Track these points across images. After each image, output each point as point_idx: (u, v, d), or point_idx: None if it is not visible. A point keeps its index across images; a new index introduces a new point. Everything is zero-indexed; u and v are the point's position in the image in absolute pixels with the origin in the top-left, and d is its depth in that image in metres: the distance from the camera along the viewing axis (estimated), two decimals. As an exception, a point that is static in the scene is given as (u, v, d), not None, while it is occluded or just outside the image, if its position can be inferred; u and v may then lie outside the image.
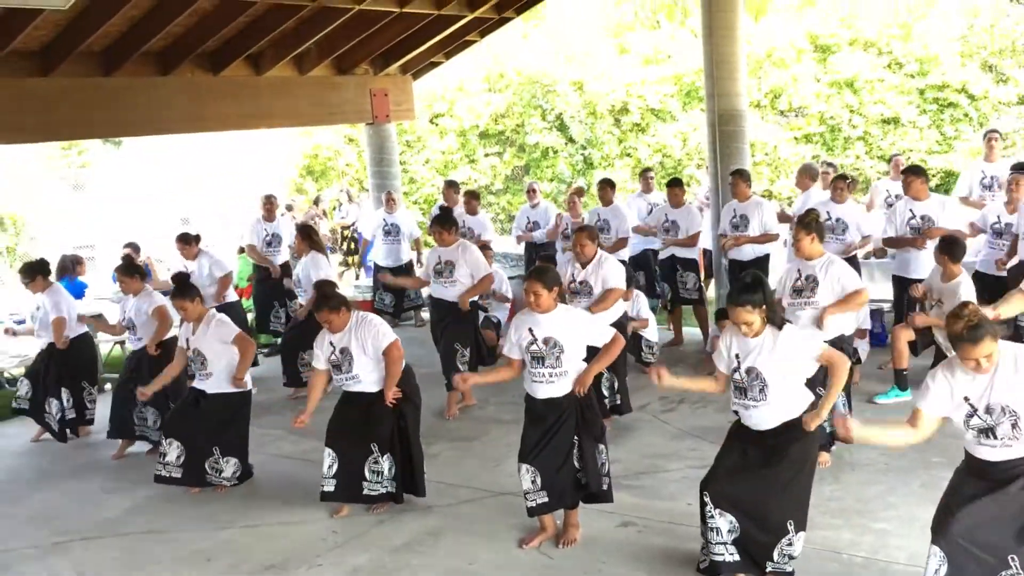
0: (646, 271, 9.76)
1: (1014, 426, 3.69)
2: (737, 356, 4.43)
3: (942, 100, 19.06)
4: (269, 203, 9.88)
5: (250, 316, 10.30)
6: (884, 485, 5.65)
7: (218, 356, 6.25)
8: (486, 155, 19.91)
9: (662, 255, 9.22)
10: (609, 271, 6.73)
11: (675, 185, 9.18)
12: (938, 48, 18.91)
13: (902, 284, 7.63)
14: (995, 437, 3.73)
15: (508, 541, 5.31)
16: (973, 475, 3.87)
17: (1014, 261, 7.23)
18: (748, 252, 8.43)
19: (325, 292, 5.77)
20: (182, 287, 6.41)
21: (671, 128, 19.34)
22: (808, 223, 5.95)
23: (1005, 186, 8.69)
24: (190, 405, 6.38)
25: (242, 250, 10.88)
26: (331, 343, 5.68)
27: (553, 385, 4.98)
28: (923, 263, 7.46)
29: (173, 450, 6.27)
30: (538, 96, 19.53)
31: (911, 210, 7.60)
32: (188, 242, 8.89)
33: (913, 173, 7.78)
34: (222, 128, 11.07)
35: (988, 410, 3.72)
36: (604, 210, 9.54)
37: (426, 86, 18.16)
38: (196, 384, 6.38)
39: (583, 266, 6.75)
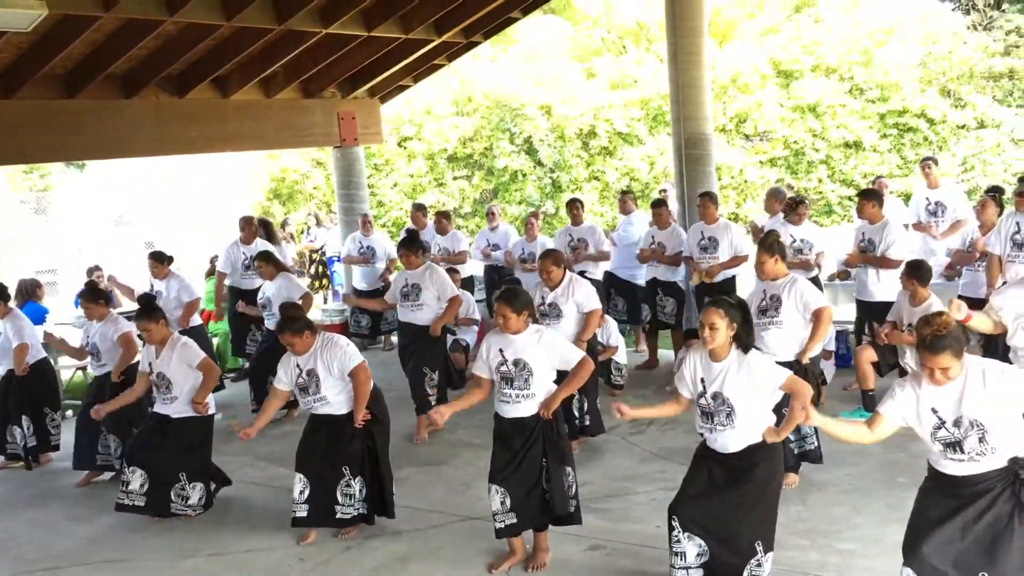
0: (625, 297, 9.68)
1: (981, 440, 3.72)
2: (703, 380, 4.44)
3: (902, 125, 19.42)
4: (248, 225, 9.76)
5: (216, 340, 10.21)
6: (850, 506, 5.68)
7: (184, 380, 6.18)
8: (455, 178, 19.95)
9: (646, 277, 9.25)
10: (582, 294, 6.74)
11: (660, 206, 9.21)
12: (898, 74, 19.28)
13: (860, 307, 7.78)
14: (962, 451, 3.76)
15: (477, 566, 5.27)
16: (939, 492, 3.90)
17: (998, 284, 7.24)
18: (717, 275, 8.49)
19: (288, 314, 5.76)
20: (148, 309, 6.33)
21: (638, 152, 19.51)
22: (771, 244, 6.02)
23: (945, 211, 8.96)
24: (153, 431, 6.29)
25: (210, 273, 10.76)
26: (298, 365, 5.65)
27: (520, 406, 4.98)
28: (880, 285, 7.58)
29: (136, 478, 6.17)
30: (506, 120, 19.62)
31: (863, 232, 7.75)
32: (161, 261, 8.79)
33: (864, 197, 7.94)
34: (187, 151, 10.98)
35: (957, 423, 3.75)
36: (575, 229, 9.59)
37: (394, 109, 18.17)
38: (158, 409, 6.29)
39: (551, 289, 6.77)
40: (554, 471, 5.01)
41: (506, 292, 5.12)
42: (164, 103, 9.28)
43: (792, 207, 8.40)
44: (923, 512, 3.94)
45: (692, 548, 4.41)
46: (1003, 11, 20.82)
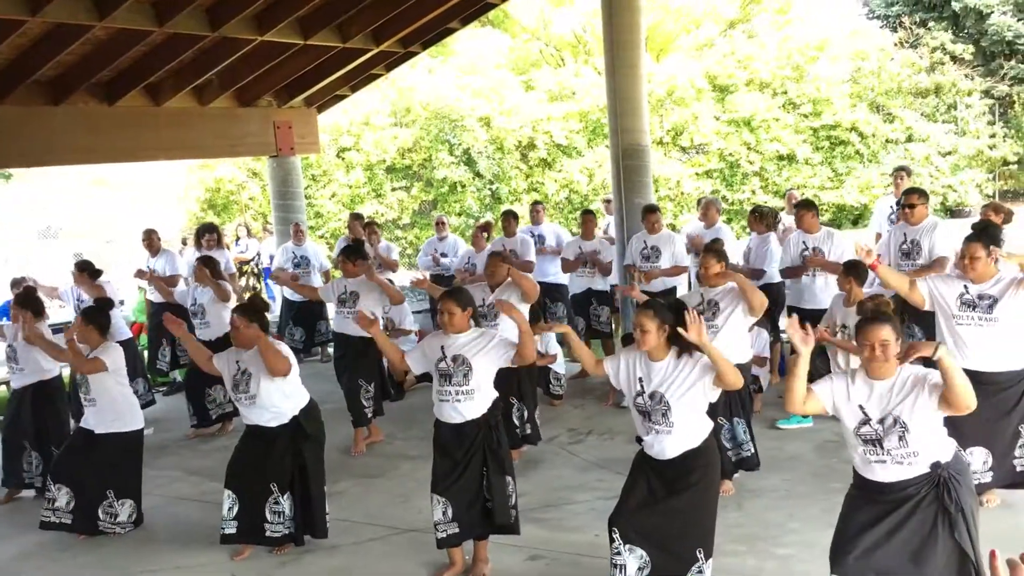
0: (562, 300, 9.73)
1: (901, 439, 3.80)
2: (641, 379, 4.46)
3: (834, 138, 19.88)
4: (148, 239, 9.55)
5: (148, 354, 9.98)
6: (785, 511, 5.75)
7: (98, 383, 5.99)
8: (393, 189, 19.86)
9: (578, 288, 9.28)
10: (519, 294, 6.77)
11: (587, 215, 9.26)
12: (829, 89, 19.76)
13: (799, 316, 7.83)
14: (881, 448, 3.83)
15: (415, 579, 5.22)
16: (864, 499, 3.95)
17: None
18: (657, 284, 8.55)
19: (253, 302, 5.71)
20: (100, 314, 6.15)
21: (577, 163, 19.65)
22: (717, 251, 6.09)
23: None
24: (79, 448, 6.08)
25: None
26: (237, 362, 5.53)
27: (460, 405, 4.95)
28: (816, 293, 7.69)
29: (62, 495, 5.96)
30: (445, 131, 19.61)
31: (804, 242, 7.85)
32: (91, 273, 8.48)
33: (804, 207, 8.08)
34: (117, 160, 10.77)
35: (881, 420, 3.84)
36: (508, 240, 9.60)
37: (332, 119, 18.04)
38: (84, 424, 6.10)
39: (492, 290, 6.78)
40: (495, 481, 4.98)
41: (452, 290, 5.19)
42: (93, 110, 9.08)
43: (773, 219, 8.57)
44: (848, 519, 3.98)
45: (633, 561, 4.38)
46: (929, 29, 21.49)
